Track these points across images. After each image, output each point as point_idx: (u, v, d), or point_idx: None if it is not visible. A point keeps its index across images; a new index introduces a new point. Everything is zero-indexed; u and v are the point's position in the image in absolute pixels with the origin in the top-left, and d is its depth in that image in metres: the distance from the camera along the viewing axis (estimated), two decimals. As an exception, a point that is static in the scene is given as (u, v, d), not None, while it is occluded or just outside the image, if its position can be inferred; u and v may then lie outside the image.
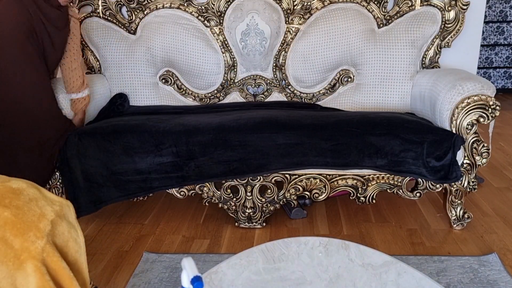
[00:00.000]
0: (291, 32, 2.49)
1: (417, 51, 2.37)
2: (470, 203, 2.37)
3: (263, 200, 2.12)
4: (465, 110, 1.91)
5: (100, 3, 2.55)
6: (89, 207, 2.05)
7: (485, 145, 1.95)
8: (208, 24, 2.53)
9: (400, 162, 1.97)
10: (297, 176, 2.08)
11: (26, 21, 1.89)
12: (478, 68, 4.84)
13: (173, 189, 2.10)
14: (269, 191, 2.11)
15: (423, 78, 2.28)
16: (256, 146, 1.98)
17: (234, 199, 2.12)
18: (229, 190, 2.11)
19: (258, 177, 2.07)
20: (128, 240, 2.08)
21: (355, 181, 2.08)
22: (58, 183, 2.09)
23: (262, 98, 2.59)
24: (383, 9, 2.43)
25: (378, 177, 2.07)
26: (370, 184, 2.09)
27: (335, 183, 2.09)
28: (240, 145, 1.98)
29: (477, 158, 1.96)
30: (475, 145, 1.95)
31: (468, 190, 2.03)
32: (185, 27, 2.49)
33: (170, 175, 2.04)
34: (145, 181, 2.04)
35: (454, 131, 1.95)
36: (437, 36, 2.38)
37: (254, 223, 2.16)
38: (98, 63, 2.60)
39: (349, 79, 2.48)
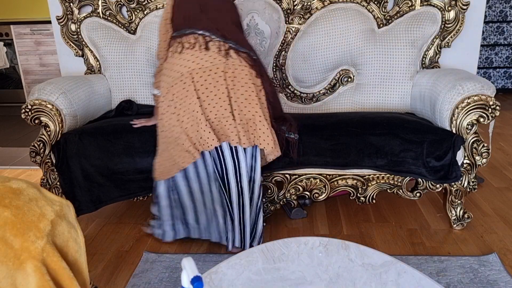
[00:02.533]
0: (291, 32, 2.49)
1: (417, 51, 2.37)
2: (470, 203, 2.37)
3: (263, 200, 2.12)
4: (465, 110, 1.91)
5: (100, 3, 2.55)
6: (89, 206, 2.05)
7: (485, 145, 1.95)
8: (208, 24, 2.53)
9: (400, 162, 1.97)
10: (297, 176, 2.08)
11: None
12: (478, 68, 4.84)
13: (173, 189, 2.10)
14: (269, 191, 2.11)
15: (423, 78, 2.28)
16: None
17: (234, 199, 2.12)
18: (229, 190, 2.11)
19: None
20: (128, 240, 2.08)
21: (355, 181, 2.08)
22: (58, 183, 2.09)
23: (262, 98, 2.58)
24: (383, 9, 2.43)
25: (378, 177, 2.07)
26: (370, 184, 2.09)
27: (335, 183, 2.09)
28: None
29: (477, 158, 1.96)
30: (475, 145, 1.95)
31: (468, 190, 2.03)
32: (185, 27, 2.49)
33: (170, 175, 2.03)
34: (146, 181, 2.04)
35: (454, 131, 1.95)
36: (437, 36, 2.38)
37: (254, 223, 2.16)
38: (98, 63, 2.60)
39: (349, 79, 2.48)
